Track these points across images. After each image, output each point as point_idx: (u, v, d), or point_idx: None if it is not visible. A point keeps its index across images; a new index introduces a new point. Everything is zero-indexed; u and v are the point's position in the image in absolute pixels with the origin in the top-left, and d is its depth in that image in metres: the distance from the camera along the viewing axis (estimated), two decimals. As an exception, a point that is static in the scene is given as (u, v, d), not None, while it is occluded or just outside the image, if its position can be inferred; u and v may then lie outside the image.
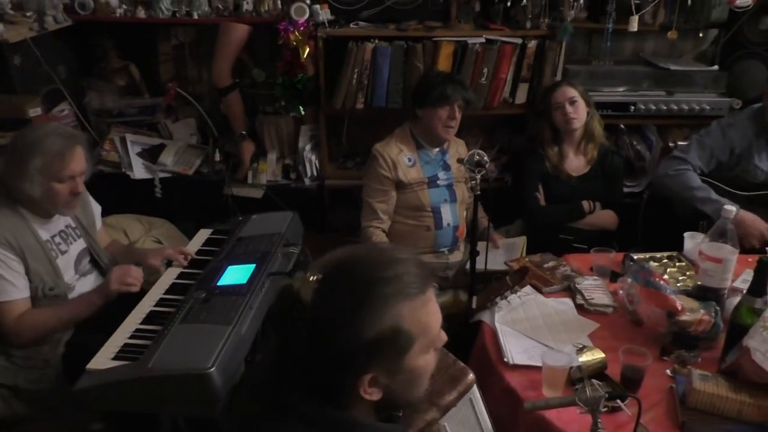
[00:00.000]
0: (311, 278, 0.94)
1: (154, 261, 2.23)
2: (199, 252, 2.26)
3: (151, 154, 3.08)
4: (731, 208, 1.79)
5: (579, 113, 2.64)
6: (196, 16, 2.89)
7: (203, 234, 2.41)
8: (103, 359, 1.66)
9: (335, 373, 0.95)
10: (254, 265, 2.01)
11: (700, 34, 3.18)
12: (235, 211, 2.93)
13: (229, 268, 2.02)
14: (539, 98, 2.85)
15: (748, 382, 1.47)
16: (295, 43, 2.72)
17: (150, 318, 1.86)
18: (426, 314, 0.99)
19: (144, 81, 3.22)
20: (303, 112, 2.95)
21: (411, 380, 1.00)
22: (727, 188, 2.41)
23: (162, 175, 3.03)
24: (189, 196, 3.06)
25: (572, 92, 2.64)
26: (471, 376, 1.13)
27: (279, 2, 2.90)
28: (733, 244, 1.76)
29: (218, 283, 1.94)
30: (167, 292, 2.00)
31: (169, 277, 2.10)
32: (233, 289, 1.89)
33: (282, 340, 0.99)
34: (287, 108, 2.95)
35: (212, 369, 1.53)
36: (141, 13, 2.87)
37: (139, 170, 3.02)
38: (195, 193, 3.07)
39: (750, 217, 2.27)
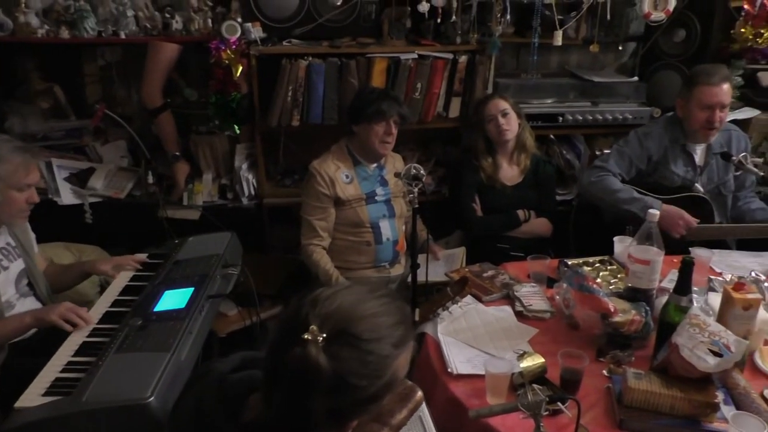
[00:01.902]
0: (319, 339, 0.93)
1: (104, 267, 2.18)
2: (133, 278, 2.18)
3: (79, 179, 2.96)
4: (655, 211, 1.87)
5: (511, 125, 2.72)
6: (123, 36, 2.82)
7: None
8: (33, 396, 1.57)
9: (333, 423, 0.97)
10: (192, 289, 1.96)
11: (620, 47, 3.35)
12: (171, 234, 2.84)
13: (166, 292, 1.96)
14: (472, 111, 2.92)
15: (678, 377, 1.53)
16: (227, 62, 2.69)
17: (83, 349, 1.77)
18: (410, 354, 1.03)
19: (69, 103, 3.10)
20: (238, 131, 2.91)
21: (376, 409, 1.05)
22: (647, 193, 2.53)
23: (92, 199, 2.92)
24: (121, 220, 2.95)
25: (504, 104, 2.72)
26: (420, 393, 1.14)
27: (210, 21, 2.86)
28: (659, 246, 1.84)
29: (155, 309, 1.87)
30: (101, 321, 1.92)
31: (102, 305, 2.01)
32: (171, 314, 1.83)
33: (286, 399, 0.97)
34: (222, 127, 2.92)
35: (151, 399, 1.47)
36: (65, 34, 2.76)
37: (67, 196, 2.90)
38: (128, 218, 2.96)
39: (670, 209, 2.38)
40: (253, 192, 3.04)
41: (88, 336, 1.84)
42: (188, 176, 3.03)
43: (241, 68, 2.70)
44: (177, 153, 2.97)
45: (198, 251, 2.25)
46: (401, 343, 0.99)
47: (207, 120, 2.96)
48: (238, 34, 2.71)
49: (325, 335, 0.93)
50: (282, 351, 0.95)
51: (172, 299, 1.92)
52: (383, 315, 0.99)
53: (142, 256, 2.25)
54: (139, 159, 3.09)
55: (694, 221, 2.37)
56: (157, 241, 2.56)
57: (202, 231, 2.50)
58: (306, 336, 0.93)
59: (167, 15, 2.86)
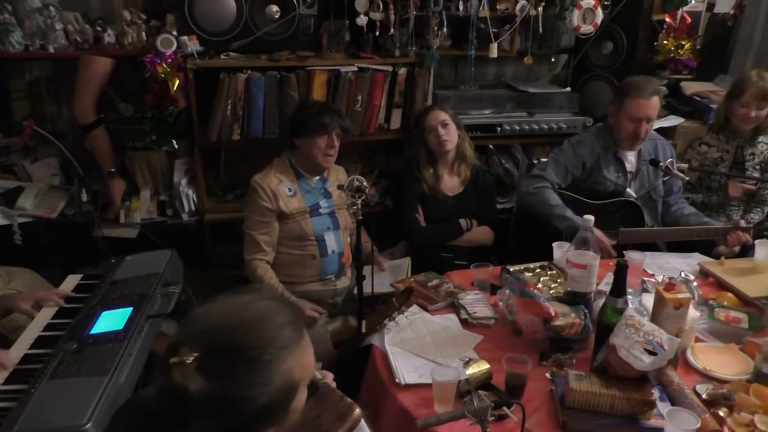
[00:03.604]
0: (188, 361, 0.89)
1: (25, 305, 2.04)
2: (67, 300, 2.10)
3: (7, 198, 2.83)
4: (590, 216, 1.93)
5: (451, 135, 2.77)
6: (52, 50, 2.72)
7: (72, 280, 2.24)
8: (-42, 430, 1.49)
9: None
10: (131, 309, 1.90)
11: (553, 59, 3.48)
12: (108, 253, 2.75)
13: (103, 314, 1.89)
14: (413, 122, 2.96)
15: (617, 377, 1.58)
16: (163, 76, 2.63)
17: (13, 377, 1.69)
18: (307, 354, 0.99)
19: (-5, 120, 2.97)
20: (176, 146, 2.85)
21: (294, 418, 1.01)
22: (582, 198, 2.62)
23: (21, 220, 2.79)
24: (54, 240, 2.84)
25: (443, 116, 2.77)
26: (357, 410, 1.13)
27: (144, 34, 2.80)
28: (594, 251, 1.91)
29: (91, 332, 1.80)
30: (32, 346, 1.83)
31: (33, 330, 1.92)
32: (109, 336, 1.76)
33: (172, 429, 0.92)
34: (159, 142, 2.85)
35: (88, 425, 1.41)
36: (-12, 48, 2.65)
37: (-7, 216, 2.77)
38: (61, 238, 2.85)
39: (597, 235, 2.46)
40: (193, 208, 2.98)
41: (18, 363, 1.75)
42: (125, 193, 2.95)
43: (177, 82, 2.65)
44: (112, 170, 2.88)
45: (136, 270, 2.18)
46: (287, 344, 0.95)
47: (143, 135, 2.89)
48: (174, 47, 2.66)
49: (196, 354, 0.89)
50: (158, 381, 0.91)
51: (110, 320, 1.85)
52: (263, 320, 0.95)
53: (67, 290, 2.11)
54: (71, 177, 2.98)
55: (612, 252, 2.44)
56: (92, 261, 2.47)
57: (141, 249, 2.43)
58: (173, 360, 0.89)
59: (99, 28, 2.79)
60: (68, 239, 2.85)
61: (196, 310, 0.96)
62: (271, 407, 0.93)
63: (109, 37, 2.77)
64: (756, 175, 2.85)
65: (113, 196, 2.89)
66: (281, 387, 0.93)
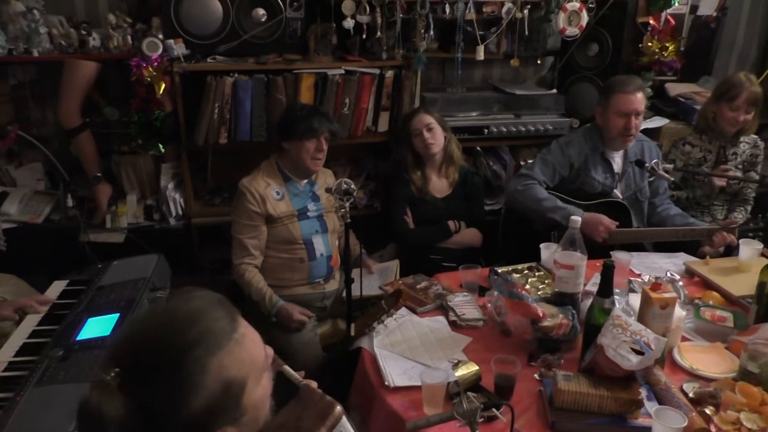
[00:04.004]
0: (109, 377, 0.86)
1: (6, 312, 2.01)
2: (53, 306, 2.07)
3: (-9, 204, 2.81)
4: (577, 217, 1.95)
5: (437, 138, 2.78)
6: (36, 54, 2.70)
7: (58, 286, 2.21)
8: (-57, 439, 1.47)
9: None
10: (118, 315, 1.88)
11: (539, 61, 3.50)
12: (94, 258, 2.74)
13: (90, 320, 1.87)
14: (399, 126, 2.96)
15: (604, 377, 1.59)
16: (149, 79, 2.63)
17: (-2, 385, 1.67)
18: (246, 349, 0.96)
19: (-22, 125, 2.95)
20: (163, 150, 2.84)
21: (256, 414, 0.98)
22: (570, 199, 2.64)
23: (6, 225, 2.77)
24: (39, 246, 2.81)
25: (429, 119, 2.78)
26: (338, 408, 1.13)
27: (129, 38, 2.79)
28: (582, 251, 1.92)
29: (78, 338, 1.78)
30: (17, 353, 1.81)
31: (18, 338, 1.90)
32: (95, 343, 1.74)
33: None
34: (145, 146, 2.84)
35: (75, 432, 1.41)
36: (-30, 52, 2.63)
37: (-23, 222, 2.75)
38: (46, 243, 2.83)
39: (591, 216, 2.48)
40: (180, 212, 2.96)
41: (3, 370, 1.73)
42: (111, 198, 2.93)
43: (164, 86, 2.64)
44: (98, 174, 2.87)
45: (123, 275, 2.16)
46: (218, 343, 0.91)
47: (129, 139, 2.87)
48: (160, 51, 2.66)
49: (117, 371, 0.86)
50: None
51: (97, 327, 1.83)
52: (188, 323, 0.91)
53: (50, 296, 2.08)
54: (57, 182, 2.96)
55: (613, 225, 2.48)
56: (78, 266, 2.45)
57: (128, 254, 2.41)
58: (95, 381, 0.86)
59: (84, 32, 2.78)
60: (54, 245, 2.83)
61: (128, 320, 0.95)
62: (211, 409, 0.90)
63: (94, 40, 2.76)
64: (738, 174, 2.88)
65: (99, 200, 2.87)
66: (218, 387, 0.90)
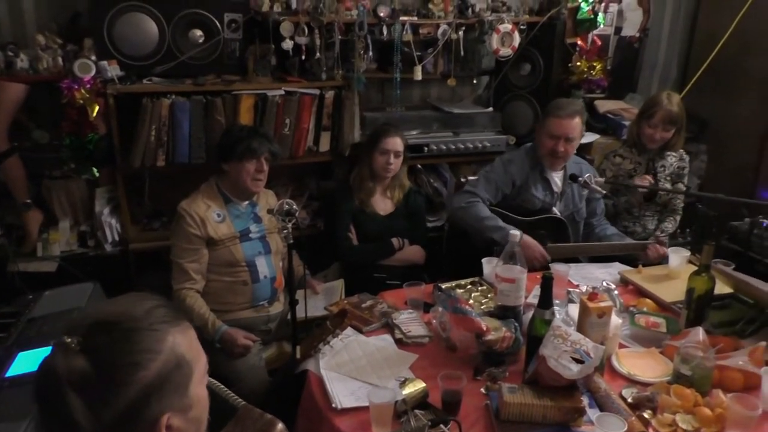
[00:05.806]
0: (72, 344, 0.88)
1: None
2: (-20, 341, 1.97)
3: None
4: (516, 232, 2.00)
5: (398, 166, 2.84)
6: (-42, 76, 2.58)
7: (-16, 320, 2.11)
8: None
9: (132, 426, 0.91)
10: (51, 348, 1.80)
11: (475, 81, 3.60)
12: (24, 289, 2.61)
13: (20, 354, 1.78)
14: (370, 133, 2.95)
15: (548, 387, 1.63)
16: (81, 101, 2.55)
17: None
18: (195, 339, 1.00)
19: None
20: (97, 174, 2.76)
21: (199, 414, 1.00)
22: (512, 215, 2.70)
23: (-74, 256, 2.62)
24: (-36, 277, 2.67)
25: (401, 146, 2.83)
26: (280, 425, 1.11)
27: (60, 59, 2.70)
28: (522, 265, 1.96)
29: (7, 374, 1.70)
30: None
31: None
32: (27, 379, 1.66)
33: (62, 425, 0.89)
34: (78, 170, 2.75)
35: (7, 474, 1.33)
36: None
37: None
38: (-28, 274, 2.68)
39: (531, 242, 2.55)
40: (117, 237, 2.87)
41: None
42: (42, 225, 2.82)
43: (97, 108, 2.58)
44: (28, 201, 2.76)
45: (56, 306, 2.07)
46: (167, 320, 0.96)
47: (61, 163, 2.77)
48: (93, 72, 2.59)
49: (78, 338, 0.90)
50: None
51: (28, 361, 1.75)
52: (140, 301, 0.97)
53: None
54: (-18, 209, 2.82)
55: (547, 256, 2.55)
56: (7, 297, 2.34)
57: (62, 283, 2.31)
58: (56, 341, 0.90)
59: (10, 53, 2.67)
60: (-20, 275, 2.69)
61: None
62: (165, 376, 0.92)
63: (22, 62, 2.66)
64: (667, 186, 3.03)
65: (29, 228, 2.76)
66: (172, 359, 0.93)
